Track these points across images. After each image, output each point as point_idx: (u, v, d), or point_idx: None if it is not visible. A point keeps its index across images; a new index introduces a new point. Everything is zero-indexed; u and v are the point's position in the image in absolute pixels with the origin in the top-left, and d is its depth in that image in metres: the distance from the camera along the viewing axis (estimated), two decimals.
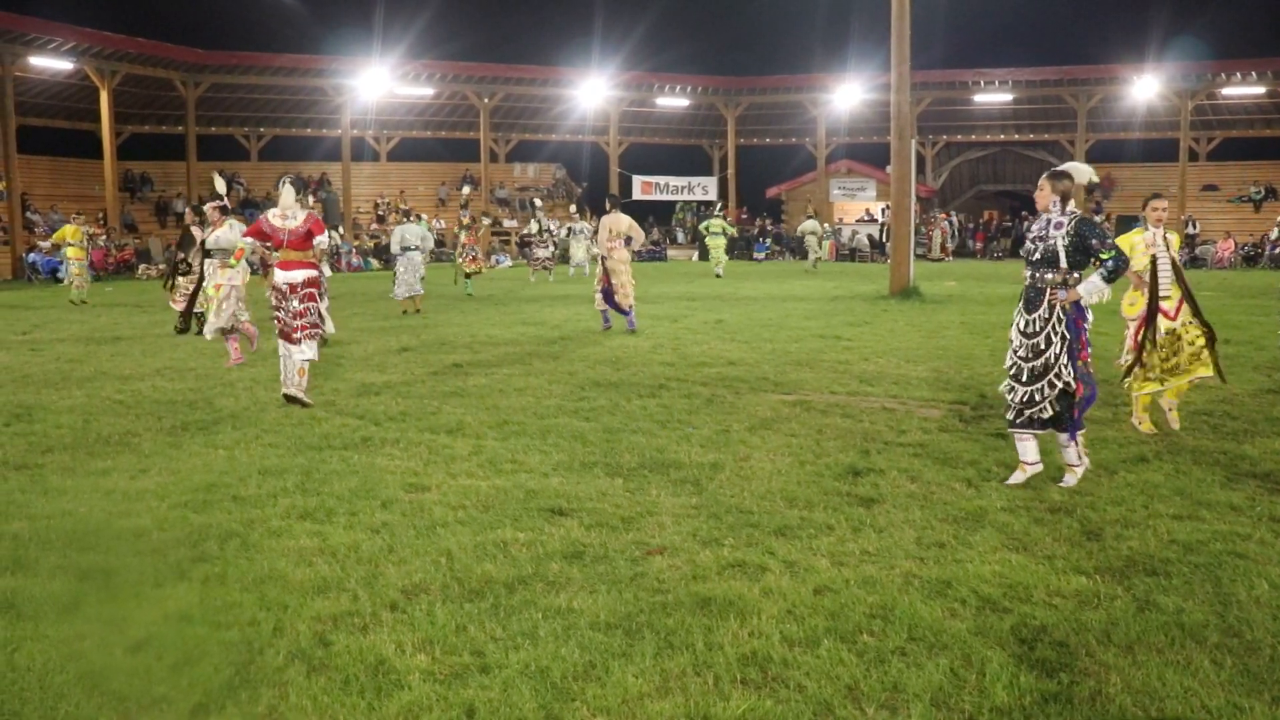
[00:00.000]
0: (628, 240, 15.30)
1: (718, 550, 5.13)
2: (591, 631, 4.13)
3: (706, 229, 31.03)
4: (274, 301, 9.39)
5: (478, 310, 18.58)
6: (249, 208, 39.83)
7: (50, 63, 33.58)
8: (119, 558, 5.10)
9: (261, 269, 10.63)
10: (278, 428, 8.12)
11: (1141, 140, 44.78)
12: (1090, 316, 6.40)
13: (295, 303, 9.26)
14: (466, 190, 24.89)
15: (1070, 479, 6.38)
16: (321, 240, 9.55)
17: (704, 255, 33.64)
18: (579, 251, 29.48)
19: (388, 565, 4.93)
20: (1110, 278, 6.16)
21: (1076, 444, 6.43)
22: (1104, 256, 6.16)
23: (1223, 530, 5.43)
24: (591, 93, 43.34)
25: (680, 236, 45.67)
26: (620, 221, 15.43)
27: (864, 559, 5.02)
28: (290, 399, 9.16)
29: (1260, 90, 40.81)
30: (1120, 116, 43.58)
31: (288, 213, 9.48)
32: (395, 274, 18.91)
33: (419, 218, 21.11)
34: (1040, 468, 6.47)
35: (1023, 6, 59.43)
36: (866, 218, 43.51)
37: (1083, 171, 6.47)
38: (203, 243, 11.90)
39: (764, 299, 20.75)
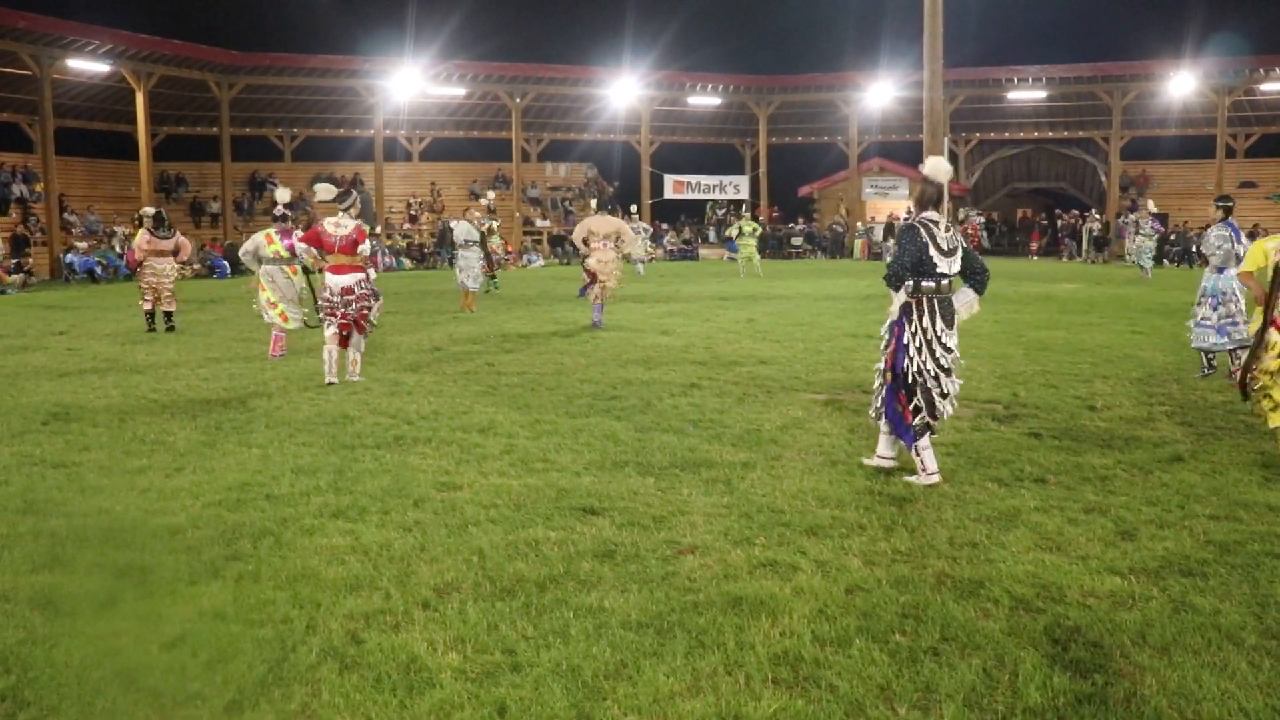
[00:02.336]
0: (617, 241, 15.68)
1: (749, 549, 5.12)
2: (623, 630, 4.13)
3: (739, 230, 30.91)
4: (327, 303, 10.25)
5: (509, 310, 18.63)
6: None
7: (87, 65, 33.88)
8: (154, 555, 5.15)
9: (315, 269, 11.37)
10: (311, 427, 8.17)
11: (1178, 137, 44.25)
12: (915, 333, 6.42)
13: (349, 304, 10.20)
14: (491, 195, 25.01)
15: (914, 477, 6.41)
16: (364, 248, 10.40)
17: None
18: (636, 250, 30.58)
19: (420, 564, 4.95)
20: (886, 280, 6.54)
21: (917, 455, 6.44)
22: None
23: (1260, 531, 5.37)
24: (623, 92, 43.31)
25: (713, 236, 45.59)
26: (606, 224, 15.82)
27: (896, 558, 5.00)
28: (334, 382, 10.15)
29: None
30: (1156, 113, 43.09)
31: (340, 220, 10.32)
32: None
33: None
34: (893, 463, 6.67)
35: (1057, 3, 58.93)
36: (906, 216, 43.26)
37: (932, 168, 6.53)
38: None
39: (796, 298, 20.69)
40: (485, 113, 45.24)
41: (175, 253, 16.13)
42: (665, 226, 44.83)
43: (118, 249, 31.70)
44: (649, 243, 34.71)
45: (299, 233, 12.01)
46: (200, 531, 5.48)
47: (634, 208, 34.35)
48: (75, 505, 6.00)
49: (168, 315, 15.68)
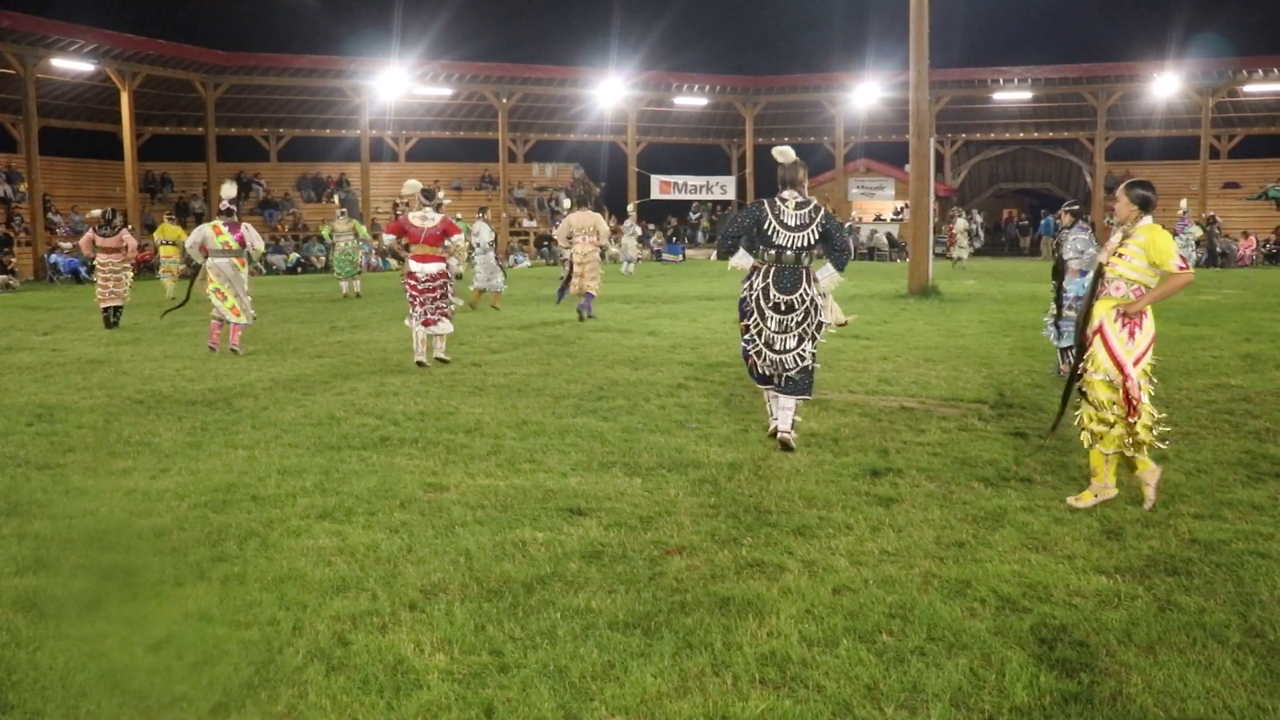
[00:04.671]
0: (596, 236, 16.77)
1: (736, 550, 5.13)
2: (610, 631, 4.13)
3: None
4: (412, 289, 11.31)
5: (494, 309, 18.59)
6: (268, 209, 39.99)
7: (72, 64, 33.73)
8: (140, 557, 5.13)
9: (394, 260, 12.04)
10: (297, 428, 8.15)
11: (1162, 138, 44.47)
12: (752, 295, 7.27)
13: (432, 290, 11.26)
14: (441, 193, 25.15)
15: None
16: (456, 239, 11.56)
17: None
18: (629, 250, 32.23)
19: (406, 565, 4.94)
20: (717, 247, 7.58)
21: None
22: None
23: (1245, 530, 5.40)
24: (610, 92, 43.29)
25: (700, 236, 45.62)
26: (585, 219, 16.84)
27: (883, 558, 5.01)
28: (423, 364, 11.25)
29: None
30: (1140, 114, 43.27)
31: (426, 214, 11.38)
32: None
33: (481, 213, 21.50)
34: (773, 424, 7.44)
35: (1042, 4, 59.08)
36: (894, 216, 43.37)
37: (778, 153, 7.36)
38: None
39: None
40: (472, 113, 45.18)
41: (122, 249, 16.74)
42: (652, 227, 44.84)
43: (93, 247, 31.72)
44: (638, 244, 34.88)
45: (247, 226, 12.98)
46: (186, 533, 5.46)
47: (630, 209, 34.90)
48: (60, 507, 5.97)
49: (115, 310, 16.33)
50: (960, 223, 33.40)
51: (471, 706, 3.56)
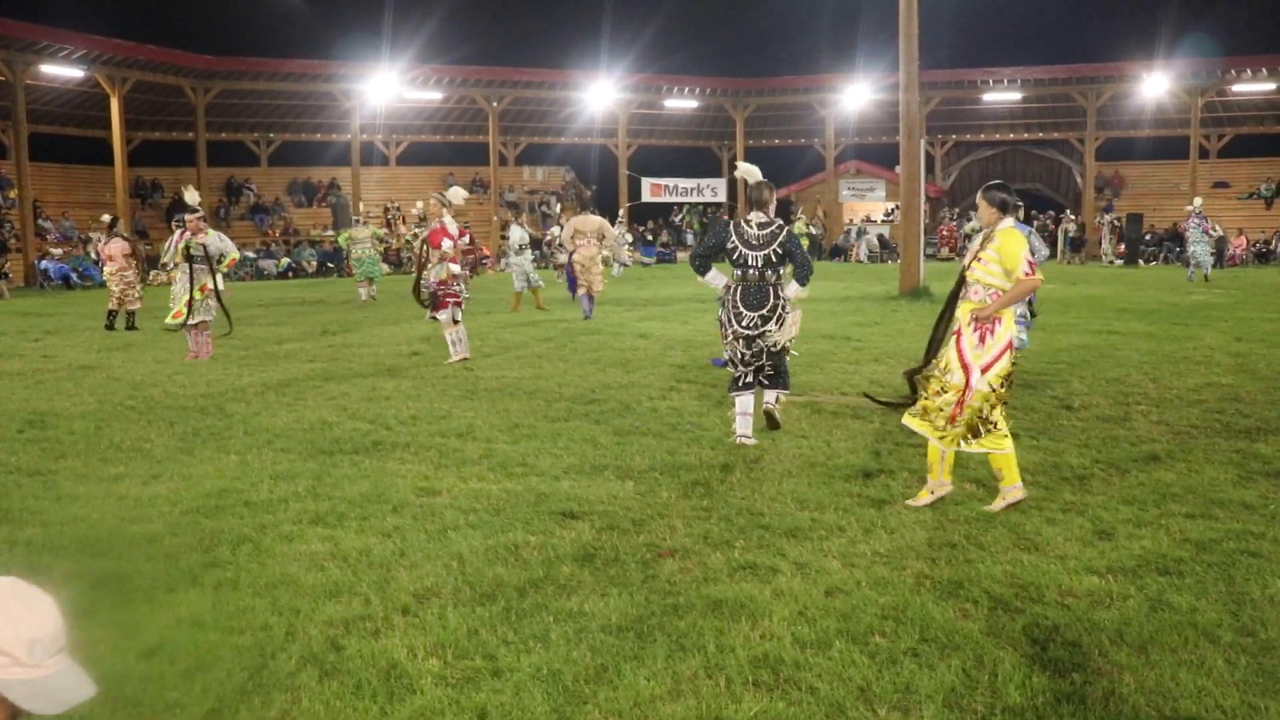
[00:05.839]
0: (600, 238, 17.68)
1: (729, 552, 5.13)
2: (603, 634, 4.13)
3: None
4: (452, 287, 12.01)
5: (487, 314, 18.59)
6: (259, 213, 39.94)
7: (61, 70, 33.64)
8: (132, 563, 5.12)
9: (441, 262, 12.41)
10: (289, 433, 8.14)
11: (1152, 138, 44.51)
12: (725, 310, 7.73)
13: (460, 286, 12.15)
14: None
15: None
16: (446, 244, 12.21)
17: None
18: (621, 253, 32.63)
19: (399, 569, 4.94)
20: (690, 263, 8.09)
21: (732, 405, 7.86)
22: None
23: (1236, 529, 5.41)
24: (600, 95, 43.28)
25: (690, 239, 45.61)
26: (589, 222, 17.67)
27: (875, 560, 5.01)
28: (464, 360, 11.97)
29: (1271, 86, 40.54)
30: (1130, 114, 43.34)
31: (450, 220, 12.16)
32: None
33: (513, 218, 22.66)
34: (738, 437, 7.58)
35: (1031, 5, 59.23)
36: (885, 218, 43.47)
37: (744, 171, 7.92)
38: (187, 248, 12.87)
39: None
40: (462, 117, 45.12)
41: (111, 258, 17.26)
42: (641, 229, 44.82)
43: (93, 255, 31.72)
44: (627, 246, 35.06)
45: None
46: (178, 539, 5.45)
47: (621, 213, 35.13)
48: (51, 513, 5.96)
49: (128, 315, 16.90)
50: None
51: (465, 711, 3.56)
